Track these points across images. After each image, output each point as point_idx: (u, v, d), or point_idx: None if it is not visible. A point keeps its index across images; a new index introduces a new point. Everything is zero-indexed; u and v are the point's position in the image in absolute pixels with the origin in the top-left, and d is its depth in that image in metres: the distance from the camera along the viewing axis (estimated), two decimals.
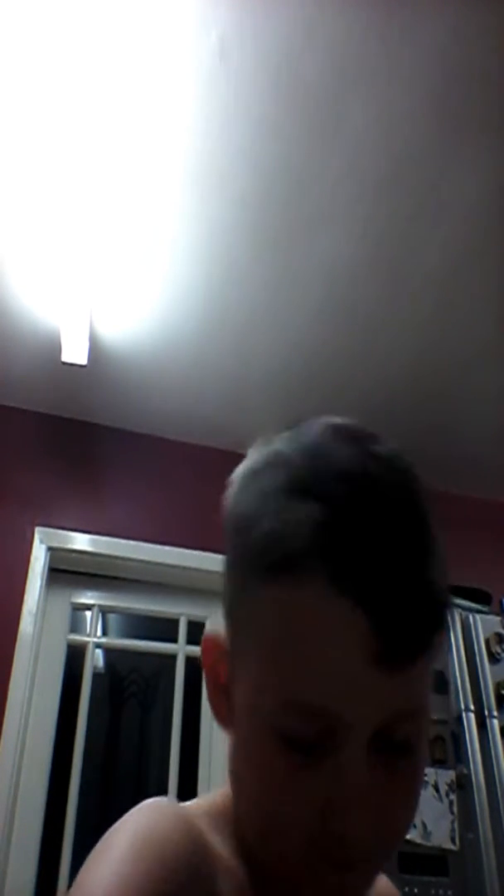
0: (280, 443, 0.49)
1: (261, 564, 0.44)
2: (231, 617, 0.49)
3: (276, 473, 0.46)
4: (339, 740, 0.42)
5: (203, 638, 0.52)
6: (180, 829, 0.43)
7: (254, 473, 0.49)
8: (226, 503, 0.51)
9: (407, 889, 1.92)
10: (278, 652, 0.43)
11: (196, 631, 2.96)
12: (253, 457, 0.51)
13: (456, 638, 2.31)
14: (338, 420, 0.49)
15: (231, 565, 0.48)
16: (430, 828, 2.00)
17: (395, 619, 0.41)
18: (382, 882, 0.62)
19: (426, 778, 2.07)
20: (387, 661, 0.41)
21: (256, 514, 0.45)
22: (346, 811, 0.41)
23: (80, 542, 2.85)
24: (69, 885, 2.42)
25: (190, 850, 0.42)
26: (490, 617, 2.48)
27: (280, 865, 0.44)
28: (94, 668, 2.86)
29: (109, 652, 3.16)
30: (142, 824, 0.42)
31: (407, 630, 0.41)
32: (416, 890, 1.92)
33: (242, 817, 0.48)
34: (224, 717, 0.50)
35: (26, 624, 2.63)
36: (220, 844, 0.47)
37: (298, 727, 0.42)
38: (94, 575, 2.90)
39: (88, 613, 2.94)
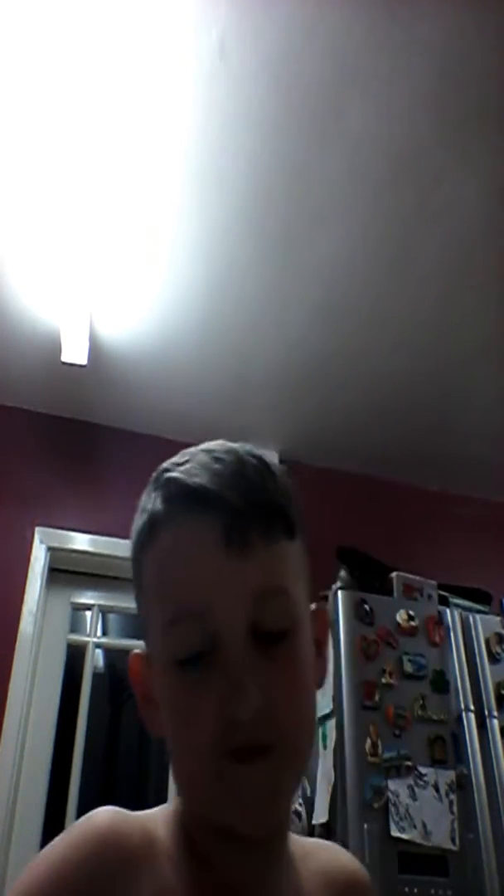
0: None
1: (139, 542, 0.54)
2: (139, 615, 0.56)
3: (147, 487, 0.57)
4: (222, 641, 0.49)
5: (131, 655, 0.58)
6: (114, 826, 0.50)
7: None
8: None
9: (407, 889, 1.92)
10: (159, 588, 0.52)
11: None
12: None
13: (456, 638, 2.31)
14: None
15: (132, 556, 0.57)
16: (430, 828, 2.00)
17: (231, 511, 0.50)
18: (345, 858, 0.65)
19: (426, 778, 2.07)
20: (233, 543, 0.49)
21: (140, 506, 0.56)
22: (233, 695, 0.47)
23: (80, 542, 2.85)
24: None
25: (121, 840, 0.49)
26: (490, 617, 2.48)
27: (199, 785, 0.49)
28: (94, 668, 2.86)
29: (109, 652, 3.16)
30: (82, 822, 0.51)
31: (243, 515, 0.50)
32: (416, 890, 1.92)
33: (176, 782, 0.53)
34: (155, 724, 0.55)
35: (26, 624, 2.63)
36: (165, 837, 0.52)
37: (185, 639, 0.49)
38: (94, 575, 2.89)
39: (88, 613, 2.94)
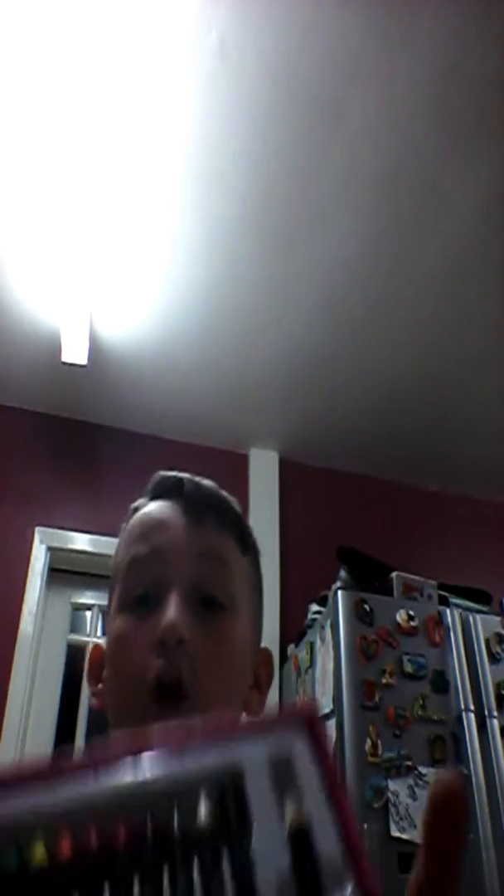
0: None
1: (123, 526, 0.64)
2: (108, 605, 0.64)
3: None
4: (162, 584, 0.56)
5: (92, 646, 0.65)
6: None
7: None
8: None
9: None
10: (125, 547, 0.61)
11: None
12: None
13: (456, 638, 2.31)
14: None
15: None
16: None
17: (191, 495, 0.62)
18: None
19: (426, 778, 2.07)
20: (189, 514, 0.60)
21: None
22: (162, 625, 0.53)
23: (80, 542, 2.85)
24: None
25: None
26: (490, 617, 2.48)
27: (129, 707, 0.54)
28: None
29: None
30: None
31: (199, 500, 0.62)
32: None
33: (110, 712, 0.58)
34: (94, 689, 0.62)
35: (26, 624, 2.63)
36: None
37: (140, 577, 0.57)
38: (94, 575, 2.89)
39: (88, 613, 2.94)
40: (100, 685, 0.61)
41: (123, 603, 0.58)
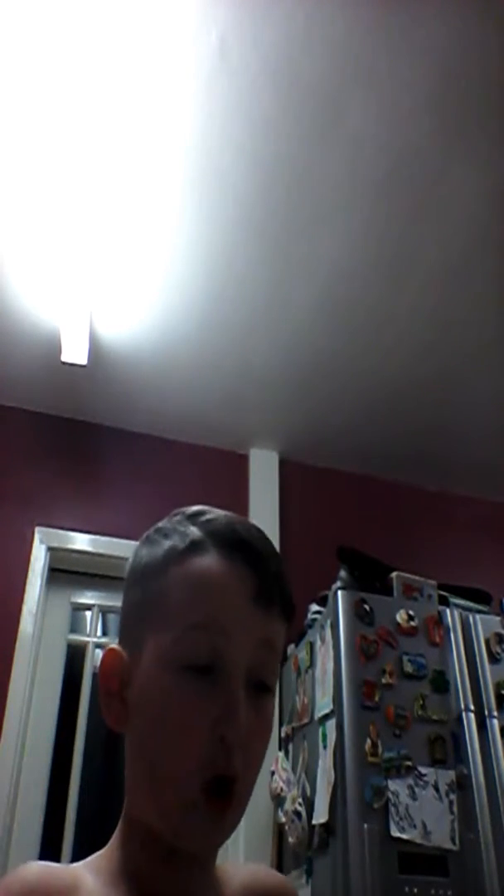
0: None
1: (170, 556, 0.61)
2: (132, 619, 0.62)
3: (168, 521, 0.66)
4: (227, 664, 0.56)
5: (105, 651, 0.62)
6: (42, 877, 0.53)
7: (152, 532, 0.67)
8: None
9: (407, 889, 1.91)
10: (187, 597, 0.58)
11: None
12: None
13: (456, 638, 2.31)
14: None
15: (136, 580, 0.64)
16: (430, 828, 2.00)
17: (263, 575, 0.59)
18: (267, 874, 0.73)
19: (426, 778, 2.07)
20: (261, 599, 0.59)
21: (162, 532, 0.64)
22: (228, 717, 0.54)
23: (80, 542, 2.85)
24: None
25: (50, 890, 0.52)
26: (490, 617, 2.47)
27: (171, 806, 0.54)
28: (94, 668, 2.86)
29: None
30: (8, 877, 0.52)
31: (271, 583, 0.60)
32: (415, 890, 1.91)
33: (136, 772, 0.58)
34: (116, 716, 0.60)
35: (26, 624, 2.63)
36: (94, 880, 0.55)
37: (200, 646, 0.56)
38: (94, 575, 2.89)
39: (88, 613, 2.94)
40: (117, 703, 0.60)
41: (176, 664, 0.56)
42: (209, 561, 0.59)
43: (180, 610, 0.58)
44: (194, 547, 0.60)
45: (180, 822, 0.54)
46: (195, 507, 0.65)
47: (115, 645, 0.63)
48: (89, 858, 0.60)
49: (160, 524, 0.67)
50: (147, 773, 0.57)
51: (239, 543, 0.60)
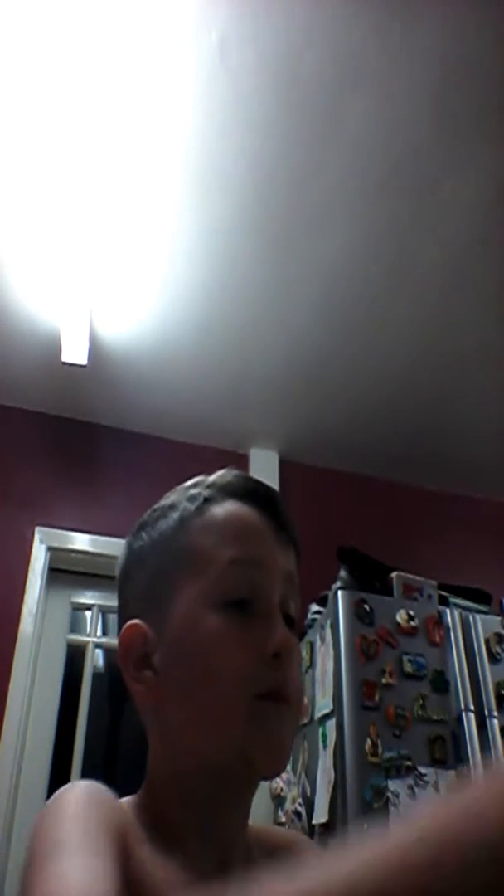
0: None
1: (186, 516, 0.63)
2: (149, 587, 0.64)
3: (164, 501, 0.68)
4: (264, 595, 0.59)
5: (125, 627, 0.62)
6: (101, 787, 0.54)
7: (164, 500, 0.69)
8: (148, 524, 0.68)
9: None
10: (218, 539, 0.61)
11: None
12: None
13: (456, 638, 2.31)
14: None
15: (145, 556, 0.66)
16: None
17: (278, 514, 0.64)
18: (284, 831, 0.75)
19: (426, 778, 2.07)
20: (281, 534, 0.63)
21: (174, 504, 0.66)
22: (275, 637, 0.57)
23: (80, 542, 2.85)
24: None
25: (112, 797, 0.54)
26: (490, 617, 2.48)
27: (230, 722, 0.55)
28: (94, 668, 2.86)
29: (109, 652, 3.15)
30: (82, 787, 0.53)
31: (285, 521, 0.64)
32: None
33: (174, 723, 0.58)
34: (149, 685, 0.59)
35: (26, 624, 2.63)
36: (134, 818, 0.56)
37: (235, 584, 0.59)
38: (94, 575, 2.89)
39: (88, 613, 2.94)
40: (147, 672, 0.60)
41: (217, 601, 0.58)
42: (229, 507, 0.63)
43: (213, 552, 0.60)
44: (210, 500, 0.64)
45: (246, 740, 0.55)
46: (189, 481, 0.68)
47: (133, 620, 0.62)
48: (129, 799, 0.60)
49: (158, 503, 0.69)
50: (198, 715, 0.57)
51: (251, 489, 0.64)
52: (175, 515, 0.64)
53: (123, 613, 0.66)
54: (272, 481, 3.21)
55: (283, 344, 2.78)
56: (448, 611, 2.39)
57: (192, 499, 0.64)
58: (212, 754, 0.57)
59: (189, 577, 0.60)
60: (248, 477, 0.67)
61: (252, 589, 0.59)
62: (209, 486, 0.65)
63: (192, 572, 0.60)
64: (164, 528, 0.64)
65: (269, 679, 0.57)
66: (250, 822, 0.62)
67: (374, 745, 2.07)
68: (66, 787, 0.53)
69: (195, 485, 0.67)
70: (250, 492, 0.64)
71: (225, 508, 0.63)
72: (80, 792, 0.52)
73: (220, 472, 0.67)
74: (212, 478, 0.67)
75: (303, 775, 2.29)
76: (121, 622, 0.65)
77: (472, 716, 2.18)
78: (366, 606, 2.30)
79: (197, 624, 0.58)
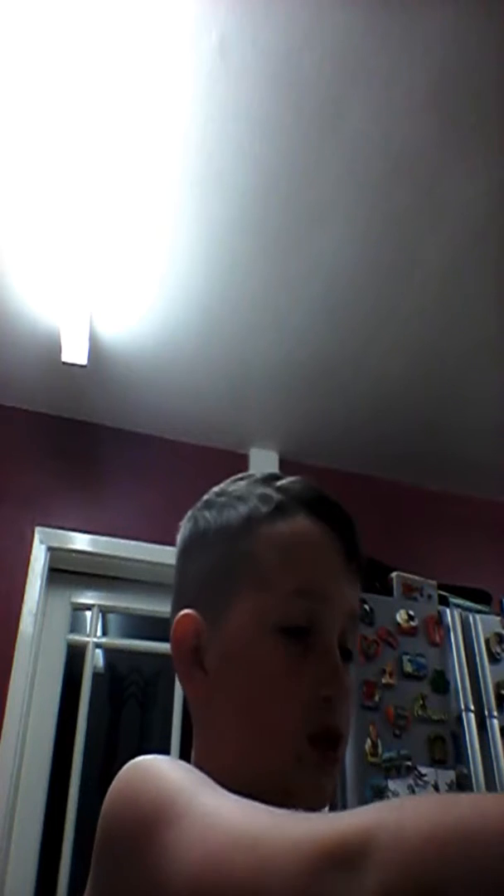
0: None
1: (254, 518, 0.60)
2: (211, 582, 0.61)
3: (235, 486, 0.65)
4: (325, 629, 0.57)
5: (180, 616, 0.61)
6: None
7: (224, 488, 0.66)
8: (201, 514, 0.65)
9: None
10: (284, 561, 0.58)
11: None
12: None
13: (456, 638, 2.31)
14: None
15: (208, 542, 0.63)
16: None
17: (352, 542, 0.61)
18: None
19: (426, 778, 2.07)
20: (352, 565, 0.60)
21: (233, 495, 0.63)
22: (331, 678, 0.56)
23: (80, 542, 2.85)
24: (69, 886, 2.41)
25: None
26: (490, 617, 2.48)
27: (278, 744, 0.55)
28: (94, 668, 2.86)
29: (109, 652, 3.16)
30: (152, 756, 0.50)
31: (357, 548, 0.61)
32: None
33: (228, 736, 0.57)
34: (200, 682, 0.59)
35: (26, 624, 2.63)
36: None
37: (302, 611, 0.57)
38: (94, 575, 2.89)
39: (88, 613, 2.94)
40: (198, 672, 0.59)
41: (276, 626, 0.57)
42: (301, 524, 0.60)
43: (278, 574, 0.58)
44: (282, 509, 0.60)
45: (293, 776, 0.55)
46: (264, 472, 0.66)
47: (188, 611, 0.61)
48: None
49: (225, 487, 0.66)
50: (250, 733, 0.56)
51: (327, 507, 0.61)
52: (243, 510, 0.61)
53: (180, 592, 0.64)
54: None
55: (283, 344, 2.78)
56: (448, 611, 2.39)
57: (262, 499, 0.61)
58: (251, 776, 0.55)
59: (250, 589, 0.59)
60: (322, 492, 0.63)
61: (313, 620, 0.57)
62: (281, 490, 0.62)
63: (254, 586, 0.59)
64: (230, 519, 0.62)
65: (322, 719, 0.56)
66: None
67: (374, 745, 2.07)
68: (132, 762, 0.50)
69: (264, 482, 0.64)
70: (327, 509, 0.61)
71: (297, 525, 0.60)
72: (155, 758, 0.50)
73: (295, 479, 0.64)
74: (283, 481, 0.63)
75: None
76: (176, 600, 0.63)
77: (472, 716, 2.18)
78: (366, 606, 2.30)
79: (253, 644, 0.57)
